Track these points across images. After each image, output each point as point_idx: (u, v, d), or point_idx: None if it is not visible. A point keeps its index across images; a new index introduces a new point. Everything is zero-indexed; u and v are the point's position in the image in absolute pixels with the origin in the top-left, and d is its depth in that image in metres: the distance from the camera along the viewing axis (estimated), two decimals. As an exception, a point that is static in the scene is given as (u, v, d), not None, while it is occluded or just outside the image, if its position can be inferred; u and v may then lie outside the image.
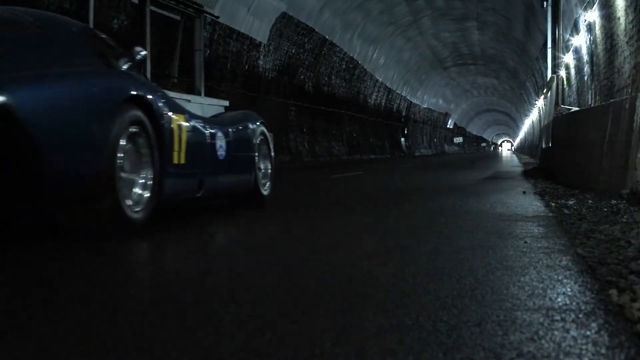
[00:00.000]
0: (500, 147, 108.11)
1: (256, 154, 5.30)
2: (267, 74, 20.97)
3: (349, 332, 1.71)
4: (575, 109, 10.69)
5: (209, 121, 4.75)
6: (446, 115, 56.76)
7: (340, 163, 21.74)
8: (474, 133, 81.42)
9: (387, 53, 32.77)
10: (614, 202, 5.05)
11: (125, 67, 4.06)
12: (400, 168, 17.31)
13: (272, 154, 5.79)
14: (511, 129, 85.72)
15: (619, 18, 9.20)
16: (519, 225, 4.02)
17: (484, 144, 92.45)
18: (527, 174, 12.06)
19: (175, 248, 3.41)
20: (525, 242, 3.28)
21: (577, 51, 14.44)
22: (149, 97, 3.70)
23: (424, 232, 3.95)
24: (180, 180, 4.08)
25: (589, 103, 12.51)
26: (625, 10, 8.75)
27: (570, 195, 6.21)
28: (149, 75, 13.42)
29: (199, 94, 16.53)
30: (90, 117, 3.22)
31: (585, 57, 13.18)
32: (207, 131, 4.53)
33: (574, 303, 2.01)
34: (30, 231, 3.93)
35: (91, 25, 6.37)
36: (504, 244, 3.22)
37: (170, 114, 3.96)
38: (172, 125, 3.93)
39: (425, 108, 47.98)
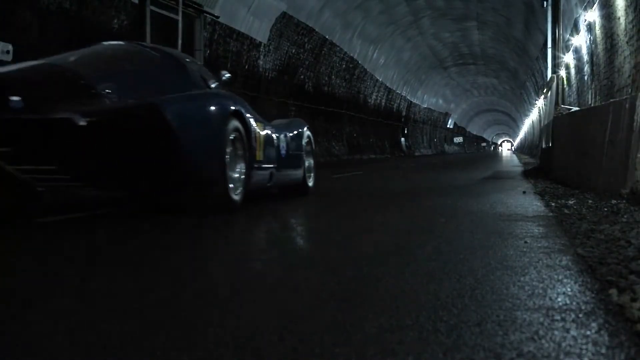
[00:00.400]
0: (500, 147, 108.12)
1: (304, 152, 6.49)
2: (267, 74, 20.97)
3: (349, 332, 1.71)
4: (575, 108, 10.69)
5: (274, 126, 5.83)
6: (446, 115, 56.74)
7: (340, 163, 21.75)
8: (474, 133, 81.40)
9: (387, 53, 32.76)
10: (614, 201, 5.05)
11: (214, 85, 5.34)
12: (401, 168, 17.31)
13: (314, 153, 7.02)
14: (511, 129, 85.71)
15: (619, 18, 9.20)
16: (519, 225, 4.02)
17: (484, 144, 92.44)
18: (527, 173, 12.06)
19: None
20: (526, 242, 3.28)
21: (577, 51, 14.44)
22: (243, 111, 4.83)
23: (423, 232, 3.95)
24: (260, 173, 5.22)
25: (589, 103, 12.51)
26: (625, 10, 8.75)
27: (570, 195, 6.21)
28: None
29: (199, 94, 16.37)
30: (211, 128, 4.39)
31: (585, 57, 13.18)
32: (274, 135, 5.70)
33: (574, 303, 2.01)
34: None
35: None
36: (504, 244, 3.22)
37: (253, 122, 5.09)
38: (255, 131, 5.07)
39: (425, 108, 47.97)
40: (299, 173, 6.33)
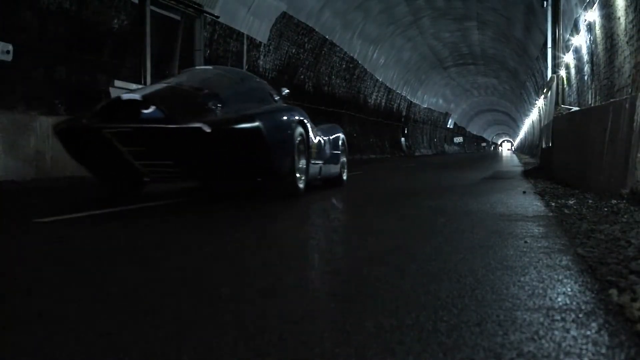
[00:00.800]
0: (500, 147, 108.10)
1: (340, 152, 7.91)
2: (267, 74, 20.97)
3: (349, 332, 1.71)
4: (575, 108, 10.69)
5: (320, 130, 7.18)
6: (446, 115, 56.72)
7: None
8: (474, 133, 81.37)
9: (387, 53, 32.75)
10: (614, 201, 5.05)
11: (277, 98, 6.70)
12: (401, 168, 17.30)
13: (346, 153, 8.45)
14: (511, 129, 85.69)
15: (619, 18, 9.20)
16: (519, 225, 4.02)
17: (484, 144, 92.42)
18: (527, 173, 12.06)
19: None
20: (526, 242, 3.28)
21: (577, 51, 14.43)
22: (304, 120, 6.19)
23: (424, 231, 3.95)
24: (314, 167, 6.61)
25: (589, 103, 12.51)
26: (626, 10, 8.75)
27: (570, 195, 6.21)
28: (148, 76, 13.45)
29: (199, 94, 16.41)
30: (286, 133, 5.70)
31: (586, 57, 13.18)
32: (322, 138, 7.10)
33: (574, 303, 2.01)
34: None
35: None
36: (504, 244, 3.22)
37: (310, 128, 6.34)
38: (311, 135, 6.36)
39: (426, 108, 47.96)
40: (337, 168, 7.89)
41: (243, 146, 5.25)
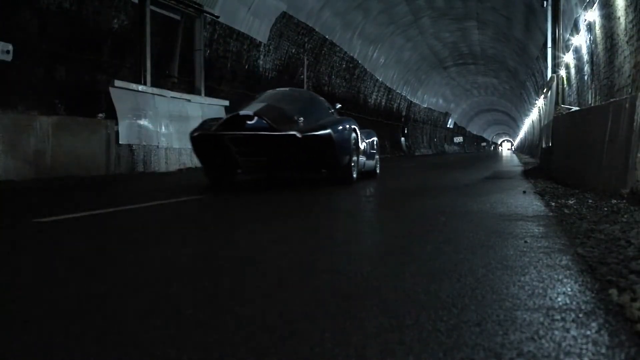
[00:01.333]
0: (500, 147, 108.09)
1: (375, 151, 9.99)
2: (267, 74, 20.97)
3: (348, 332, 1.71)
4: (575, 108, 10.69)
5: (363, 133, 8.92)
6: (446, 115, 56.71)
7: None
8: (474, 133, 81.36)
9: (387, 53, 32.75)
10: (614, 201, 5.04)
11: (332, 111, 8.76)
12: (401, 167, 17.30)
13: (379, 151, 10.52)
14: (511, 129, 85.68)
15: (619, 17, 9.20)
16: (519, 224, 4.02)
17: (484, 144, 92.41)
18: (527, 173, 12.06)
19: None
20: (526, 241, 3.28)
21: (577, 51, 14.43)
22: (356, 127, 8.24)
23: (424, 231, 3.95)
24: (360, 162, 8.66)
25: (589, 103, 12.51)
26: (625, 9, 8.75)
27: (570, 194, 6.21)
28: (148, 76, 13.43)
29: (199, 94, 16.60)
30: (346, 138, 7.72)
31: (586, 57, 13.18)
32: (365, 140, 9.06)
33: (574, 303, 2.01)
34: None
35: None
36: (504, 244, 3.22)
37: (359, 133, 8.41)
38: (359, 138, 8.43)
39: (425, 108, 47.96)
40: (373, 163, 10.00)
41: (318, 147, 7.32)
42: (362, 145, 8.71)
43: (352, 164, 8.03)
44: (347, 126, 7.92)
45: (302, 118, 7.63)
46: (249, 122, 7.25)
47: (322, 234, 3.95)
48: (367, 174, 9.71)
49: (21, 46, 10.42)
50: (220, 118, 8.30)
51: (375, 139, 10.05)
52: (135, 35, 12.95)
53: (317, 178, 9.24)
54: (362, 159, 8.86)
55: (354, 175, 8.16)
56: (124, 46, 13.39)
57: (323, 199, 6.37)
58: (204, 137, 7.52)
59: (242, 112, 7.39)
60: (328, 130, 7.38)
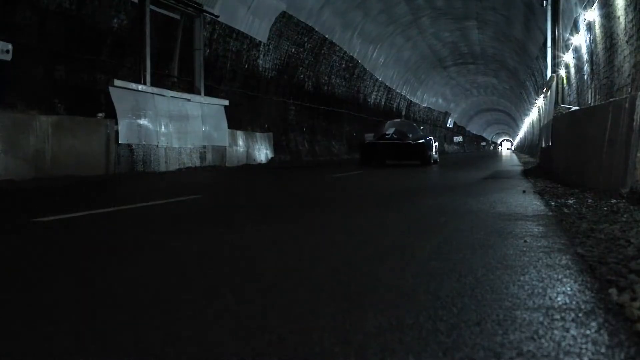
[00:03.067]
0: (500, 147, 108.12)
1: (437, 149, 19.17)
2: (266, 73, 20.96)
3: (349, 332, 1.71)
4: (575, 108, 10.69)
5: (433, 140, 18.37)
6: (446, 115, 56.71)
7: (340, 162, 21.75)
8: (474, 132, 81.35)
9: (386, 52, 32.73)
10: (613, 201, 5.04)
11: (422, 127, 21.44)
12: (401, 167, 17.30)
13: (437, 148, 19.26)
14: (511, 128, 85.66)
15: (618, 17, 9.20)
16: (518, 224, 4.02)
17: (483, 144, 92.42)
18: (527, 173, 12.07)
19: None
20: (525, 241, 3.28)
21: (576, 50, 14.43)
22: (433, 138, 19.06)
23: (424, 231, 3.95)
24: (434, 156, 18.43)
25: (589, 102, 12.51)
26: (625, 9, 8.75)
27: (570, 194, 6.21)
28: (148, 75, 13.41)
29: (199, 93, 16.59)
30: (429, 144, 17.69)
31: (585, 56, 13.18)
32: (431, 141, 17.92)
33: (574, 302, 2.01)
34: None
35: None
36: (504, 243, 3.22)
37: (434, 140, 18.78)
38: (433, 143, 18.39)
39: (425, 107, 47.95)
40: (436, 156, 18.79)
41: (418, 148, 16.62)
42: (433, 146, 17.89)
43: (430, 157, 17.27)
44: (429, 138, 17.73)
45: (410, 134, 17.15)
46: (387, 137, 16.75)
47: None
48: (434, 161, 18.22)
49: (21, 45, 10.41)
50: (372, 134, 17.63)
51: (437, 143, 19.51)
52: (134, 34, 12.93)
53: (414, 164, 16.85)
54: (433, 154, 17.90)
55: (430, 162, 17.39)
56: (124, 46, 13.37)
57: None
58: (369, 144, 16.85)
59: (388, 132, 16.97)
60: (422, 140, 17.01)
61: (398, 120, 22.23)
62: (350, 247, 3.31)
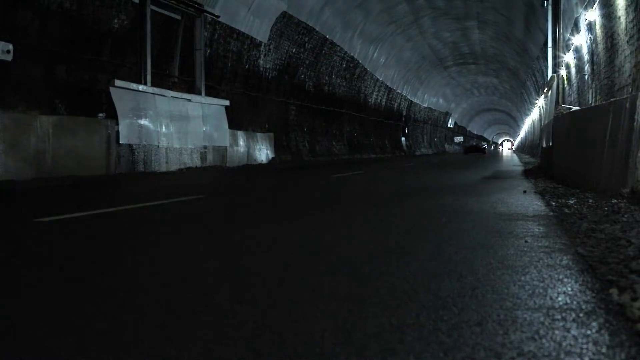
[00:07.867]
0: (500, 147, 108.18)
1: (486, 147, 52.63)
2: (267, 74, 20.96)
3: (349, 332, 1.71)
4: (575, 108, 10.69)
5: (485, 142, 64.34)
6: (446, 115, 56.81)
7: (340, 162, 21.75)
8: (475, 132, 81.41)
9: (387, 52, 32.74)
10: (614, 201, 5.04)
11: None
12: (401, 167, 17.30)
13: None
14: (512, 129, 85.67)
15: (619, 17, 9.20)
16: (519, 224, 4.02)
17: (484, 144, 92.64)
18: (528, 173, 12.06)
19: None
20: (526, 241, 3.27)
21: (577, 50, 14.42)
22: (486, 143, 72.64)
23: (424, 231, 3.95)
24: (486, 151, 49.67)
25: (590, 102, 12.50)
26: (626, 9, 8.74)
27: (570, 194, 6.20)
28: (149, 76, 13.40)
29: (200, 94, 16.61)
30: (485, 147, 55.61)
31: (586, 56, 13.17)
32: (485, 145, 60.13)
33: (575, 302, 2.01)
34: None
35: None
36: (505, 243, 3.22)
37: (486, 144, 72.71)
38: (484, 146, 61.65)
39: (426, 107, 47.98)
40: (486, 150, 50.21)
41: (482, 150, 51.46)
42: (485, 147, 55.68)
43: (485, 149, 51.93)
44: (484, 142, 68.57)
45: (479, 143, 56.11)
46: (473, 144, 54.95)
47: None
48: (485, 152, 47.13)
49: (21, 46, 10.42)
50: (457, 140, 62.61)
51: (486, 145, 60.09)
52: (135, 34, 12.94)
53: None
54: (486, 150, 52.13)
55: (485, 153, 48.43)
56: (125, 46, 13.38)
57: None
58: (468, 146, 52.35)
59: (473, 144, 54.83)
60: (484, 145, 56.06)
61: (474, 138, 54.15)
62: (351, 247, 3.31)
